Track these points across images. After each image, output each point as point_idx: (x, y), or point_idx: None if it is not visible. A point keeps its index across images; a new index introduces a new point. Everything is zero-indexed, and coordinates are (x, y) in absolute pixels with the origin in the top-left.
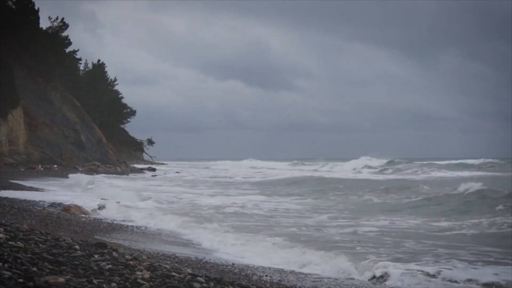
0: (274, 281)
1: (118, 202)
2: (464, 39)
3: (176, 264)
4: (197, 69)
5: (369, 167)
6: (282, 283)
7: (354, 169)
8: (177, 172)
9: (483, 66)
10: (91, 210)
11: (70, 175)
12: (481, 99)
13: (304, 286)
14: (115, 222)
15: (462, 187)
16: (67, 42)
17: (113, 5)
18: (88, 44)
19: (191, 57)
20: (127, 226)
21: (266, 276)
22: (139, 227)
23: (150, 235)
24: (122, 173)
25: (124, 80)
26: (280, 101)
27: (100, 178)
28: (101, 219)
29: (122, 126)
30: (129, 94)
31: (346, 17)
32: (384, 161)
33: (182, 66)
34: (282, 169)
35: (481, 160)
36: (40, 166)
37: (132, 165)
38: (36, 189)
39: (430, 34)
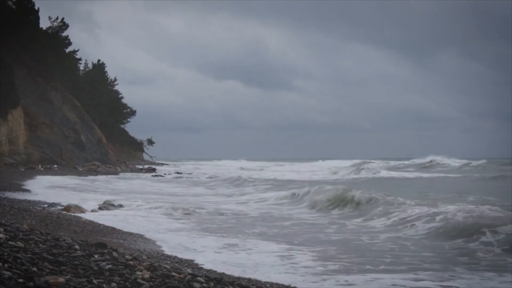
0: (274, 281)
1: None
2: (464, 39)
3: (176, 264)
4: (195, 69)
5: (336, 167)
6: (282, 283)
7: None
8: (179, 173)
9: (482, 66)
10: (91, 210)
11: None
12: (481, 99)
13: (304, 286)
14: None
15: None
16: (67, 42)
17: (110, 6)
18: (86, 45)
19: (189, 57)
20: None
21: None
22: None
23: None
24: (114, 173)
25: (123, 80)
26: (279, 101)
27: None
28: (102, 219)
29: (122, 126)
30: (127, 94)
31: (345, 17)
32: (358, 161)
33: (181, 66)
34: (252, 169)
35: (463, 161)
36: (40, 166)
37: (135, 166)
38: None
39: (429, 34)
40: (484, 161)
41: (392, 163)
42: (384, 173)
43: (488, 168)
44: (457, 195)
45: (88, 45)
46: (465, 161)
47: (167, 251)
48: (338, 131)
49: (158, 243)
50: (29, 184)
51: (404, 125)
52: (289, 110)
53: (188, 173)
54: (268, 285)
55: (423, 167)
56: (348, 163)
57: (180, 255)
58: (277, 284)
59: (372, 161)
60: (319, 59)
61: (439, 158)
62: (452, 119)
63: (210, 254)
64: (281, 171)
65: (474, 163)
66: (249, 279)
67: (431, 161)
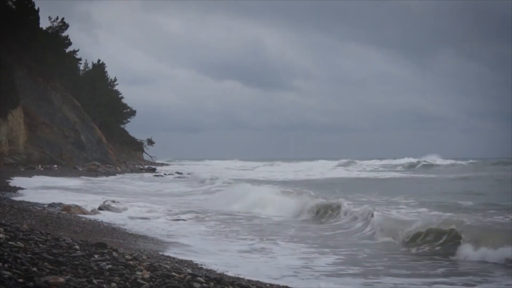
0: (273, 282)
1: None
2: (463, 39)
3: (176, 264)
4: (194, 69)
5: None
6: (282, 283)
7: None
8: (179, 173)
9: (482, 66)
10: (91, 211)
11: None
12: (481, 99)
13: (305, 286)
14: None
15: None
16: (67, 42)
17: (108, 6)
18: (85, 45)
19: (188, 57)
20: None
21: None
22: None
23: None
24: (114, 173)
25: (123, 80)
26: (278, 101)
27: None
28: (101, 219)
29: (122, 126)
30: (127, 94)
31: (344, 17)
32: (343, 161)
33: (179, 66)
34: (236, 169)
35: (450, 161)
36: (40, 166)
37: (135, 166)
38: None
39: (428, 34)
40: (471, 161)
41: (379, 162)
42: (357, 173)
43: (470, 169)
44: (403, 195)
45: (87, 45)
46: (453, 161)
47: (169, 251)
48: (338, 131)
49: (157, 242)
50: (29, 185)
51: (404, 125)
52: (288, 110)
53: (188, 173)
54: (268, 285)
55: (409, 167)
56: (333, 163)
57: (181, 257)
58: (277, 285)
59: (356, 161)
60: (319, 59)
61: (429, 158)
62: (452, 119)
63: (212, 255)
64: (263, 172)
65: (462, 163)
66: (249, 279)
67: (413, 162)
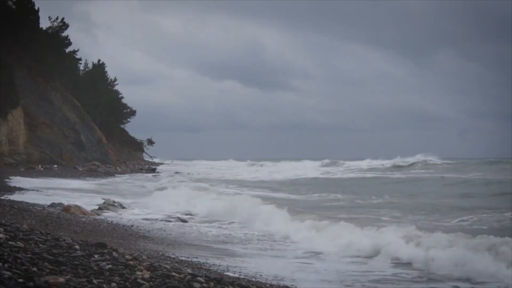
0: (273, 282)
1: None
2: (463, 39)
3: (176, 264)
4: (193, 69)
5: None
6: (282, 283)
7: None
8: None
9: (482, 66)
10: (91, 211)
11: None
12: (481, 99)
13: (304, 286)
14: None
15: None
16: (67, 42)
17: (106, 6)
18: (84, 45)
19: (187, 57)
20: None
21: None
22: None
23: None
24: (114, 173)
25: (122, 80)
26: (278, 101)
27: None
28: (102, 219)
29: (122, 126)
30: (127, 94)
31: (343, 18)
32: (326, 161)
33: (179, 66)
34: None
35: (439, 161)
36: (40, 166)
37: (135, 166)
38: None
39: (428, 34)
40: (460, 160)
41: (370, 162)
42: (336, 174)
43: (454, 168)
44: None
45: (86, 45)
46: (442, 161)
47: (169, 252)
48: (337, 131)
49: (157, 242)
50: (29, 185)
51: (403, 125)
52: (288, 110)
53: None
54: (268, 285)
55: (396, 167)
56: (317, 163)
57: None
58: (277, 284)
59: (340, 161)
60: (318, 59)
61: (419, 158)
62: (452, 119)
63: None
64: (239, 172)
65: (449, 162)
66: (249, 279)
67: (399, 162)
